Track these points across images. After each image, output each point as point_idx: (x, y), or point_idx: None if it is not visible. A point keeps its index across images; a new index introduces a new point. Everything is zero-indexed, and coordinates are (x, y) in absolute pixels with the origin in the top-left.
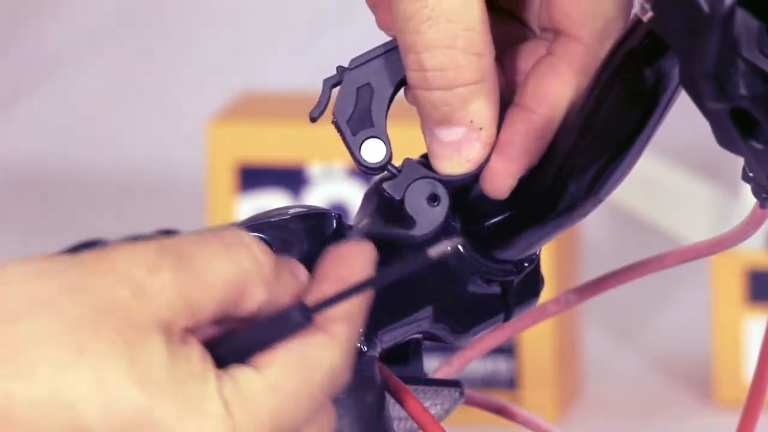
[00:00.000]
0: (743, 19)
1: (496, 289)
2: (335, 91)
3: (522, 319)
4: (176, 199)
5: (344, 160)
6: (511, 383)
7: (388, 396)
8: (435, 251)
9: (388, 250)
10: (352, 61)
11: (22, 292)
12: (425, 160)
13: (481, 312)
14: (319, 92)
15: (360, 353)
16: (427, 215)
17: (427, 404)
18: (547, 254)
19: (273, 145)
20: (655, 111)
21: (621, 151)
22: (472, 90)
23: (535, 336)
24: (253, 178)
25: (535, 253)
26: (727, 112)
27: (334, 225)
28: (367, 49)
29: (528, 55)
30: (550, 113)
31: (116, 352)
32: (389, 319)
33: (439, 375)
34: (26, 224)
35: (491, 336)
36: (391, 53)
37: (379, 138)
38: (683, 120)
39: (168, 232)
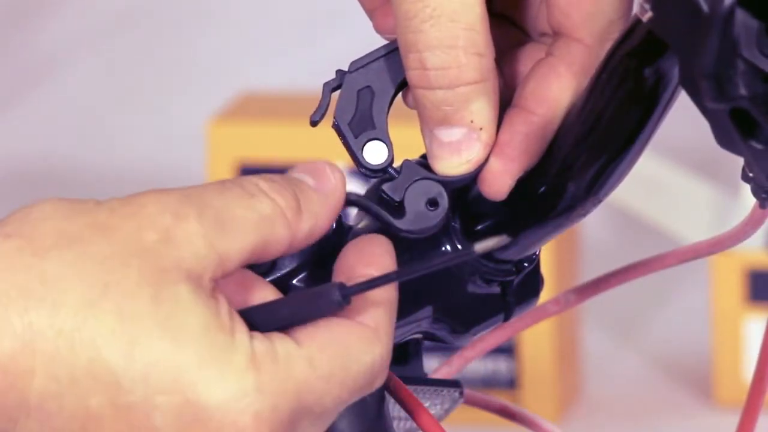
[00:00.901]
0: (743, 19)
1: (495, 289)
2: (335, 94)
3: (522, 319)
4: None
5: (344, 160)
6: (511, 383)
7: (387, 396)
8: (481, 246)
9: None
10: (352, 63)
11: (50, 227)
12: (424, 161)
13: (480, 312)
14: (320, 92)
15: None
16: (425, 217)
17: (426, 404)
18: (547, 254)
19: (273, 145)
20: (654, 111)
21: (621, 151)
22: (473, 89)
23: (535, 336)
24: None
25: (534, 253)
26: (726, 112)
27: (334, 225)
28: (367, 51)
29: (526, 59)
30: (549, 114)
31: (142, 292)
32: None
33: (439, 375)
34: None
35: (491, 336)
36: (390, 55)
37: (381, 140)
38: (683, 120)
39: None
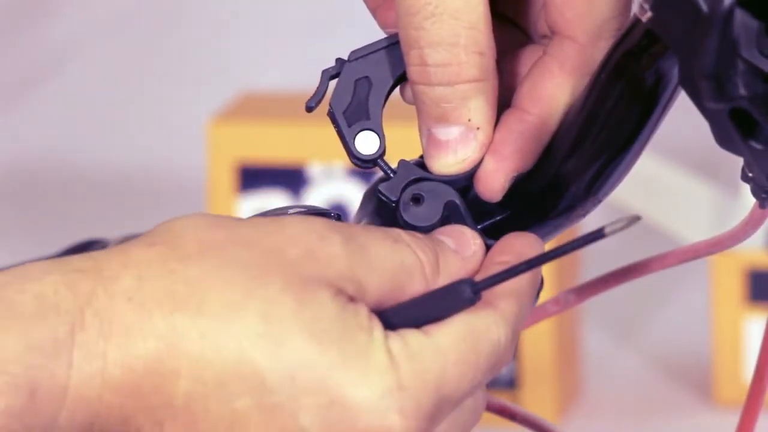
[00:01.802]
0: (742, 19)
1: None
2: (333, 82)
3: None
4: (176, 198)
5: (344, 160)
6: (511, 383)
7: None
8: (610, 229)
9: None
10: (352, 53)
11: (192, 237)
12: (421, 161)
13: None
14: None
15: None
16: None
17: None
18: None
19: (273, 145)
20: (654, 111)
21: (620, 151)
22: (472, 87)
23: (535, 336)
24: (253, 178)
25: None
26: (726, 112)
27: None
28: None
29: (526, 60)
30: (543, 113)
31: (285, 297)
32: None
33: None
34: (25, 222)
35: None
36: (391, 48)
37: (374, 131)
38: (683, 120)
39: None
